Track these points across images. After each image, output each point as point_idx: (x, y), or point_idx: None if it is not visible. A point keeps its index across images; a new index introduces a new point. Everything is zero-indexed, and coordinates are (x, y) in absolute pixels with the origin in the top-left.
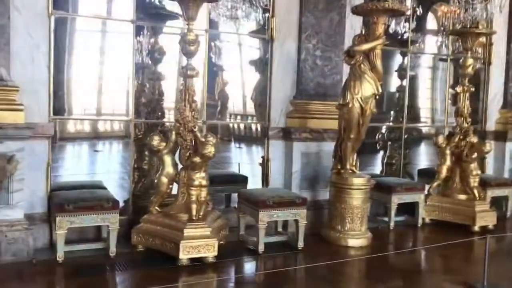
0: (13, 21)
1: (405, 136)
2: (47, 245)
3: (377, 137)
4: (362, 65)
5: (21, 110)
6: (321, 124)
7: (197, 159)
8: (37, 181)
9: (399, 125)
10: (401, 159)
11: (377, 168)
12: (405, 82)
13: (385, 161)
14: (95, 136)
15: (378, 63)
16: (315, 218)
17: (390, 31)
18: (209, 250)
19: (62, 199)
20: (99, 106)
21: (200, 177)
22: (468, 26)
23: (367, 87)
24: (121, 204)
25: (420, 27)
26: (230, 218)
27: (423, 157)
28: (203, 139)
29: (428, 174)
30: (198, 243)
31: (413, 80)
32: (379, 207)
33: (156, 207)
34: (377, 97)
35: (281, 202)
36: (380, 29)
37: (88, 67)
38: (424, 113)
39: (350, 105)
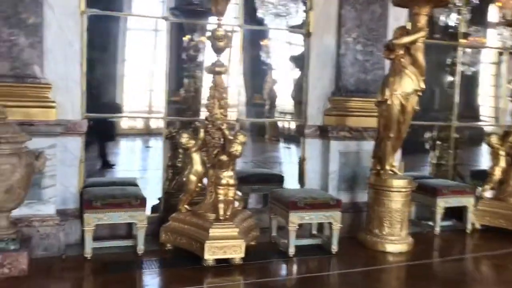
0: (47, 19)
1: (457, 136)
2: (78, 241)
3: (426, 136)
4: (402, 60)
5: (53, 107)
6: (361, 122)
7: (224, 158)
8: (69, 177)
9: (448, 123)
10: (450, 160)
11: (427, 169)
12: (457, 78)
13: (434, 161)
14: (145, 133)
15: (420, 57)
16: (353, 221)
17: (441, 23)
18: (235, 251)
19: (91, 196)
20: (138, 103)
21: (227, 176)
22: None
23: (408, 83)
24: (156, 202)
25: (478, 19)
26: (264, 218)
27: (480, 158)
28: (231, 137)
29: (482, 176)
30: (224, 243)
31: (471, 76)
32: (425, 211)
33: (185, 206)
34: (420, 93)
35: (314, 203)
36: (422, 20)
37: (125, 65)
38: (487, 111)
39: (389, 102)
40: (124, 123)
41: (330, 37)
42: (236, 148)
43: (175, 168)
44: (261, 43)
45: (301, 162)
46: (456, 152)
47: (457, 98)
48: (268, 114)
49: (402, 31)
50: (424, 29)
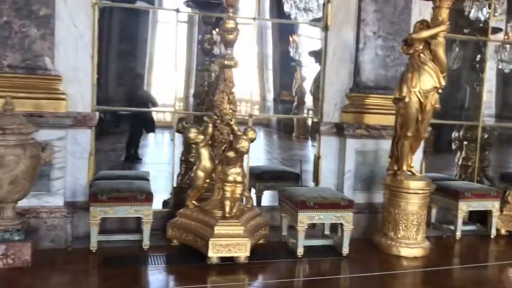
0: (58, 10)
1: (486, 136)
2: (87, 233)
3: (452, 136)
4: (422, 55)
5: (63, 99)
6: (379, 120)
7: (231, 154)
8: (79, 170)
9: (475, 123)
10: (477, 161)
11: (452, 170)
12: (486, 75)
13: (460, 163)
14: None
15: (441, 52)
16: (369, 222)
17: (472, 18)
18: (240, 250)
19: (97, 189)
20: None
21: (235, 173)
22: None
23: (427, 80)
24: (168, 197)
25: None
26: (277, 217)
27: (507, 160)
28: (239, 133)
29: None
30: (229, 241)
31: (510, 73)
32: (447, 214)
33: (193, 202)
34: (440, 91)
35: (324, 203)
36: (444, 14)
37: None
38: None
39: (406, 100)
40: (154, 116)
41: (348, 31)
42: (243, 144)
43: (188, 163)
44: (290, 38)
45: (316, 160)
46: (485, 153)
47: (485, 97)
48: (296, 111)
49: (422, 25)
50: (445, 23)
